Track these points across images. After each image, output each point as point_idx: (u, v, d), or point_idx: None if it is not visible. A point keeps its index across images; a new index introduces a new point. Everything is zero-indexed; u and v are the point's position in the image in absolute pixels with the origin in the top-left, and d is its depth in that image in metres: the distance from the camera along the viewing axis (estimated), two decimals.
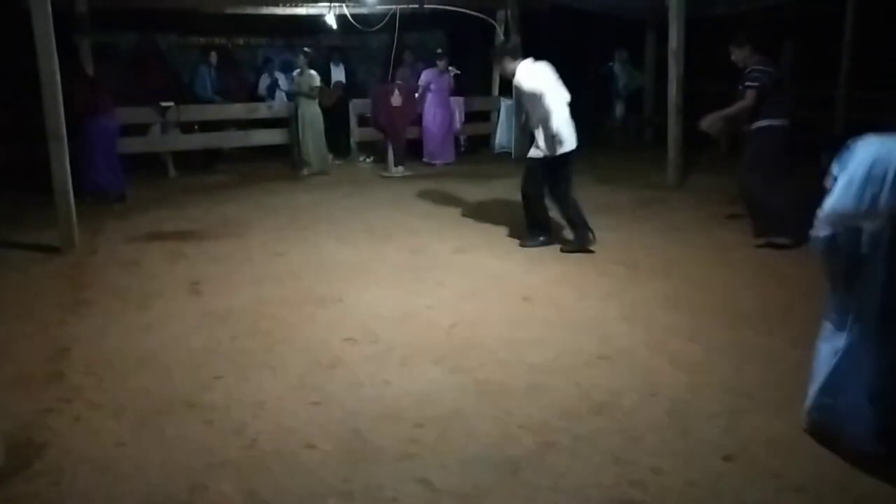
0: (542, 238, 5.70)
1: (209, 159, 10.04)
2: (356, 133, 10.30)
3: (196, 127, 9.83)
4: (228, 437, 2.91)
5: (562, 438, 2.85)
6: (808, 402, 2.77)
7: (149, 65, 9.57)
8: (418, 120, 9.91)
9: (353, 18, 8.88)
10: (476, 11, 9.14)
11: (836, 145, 2.78)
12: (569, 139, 5.46)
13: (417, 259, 5.44)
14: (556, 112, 5.34)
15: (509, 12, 10.00)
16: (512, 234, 6.01)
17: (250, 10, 10.05)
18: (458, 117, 10.37)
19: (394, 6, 8.95)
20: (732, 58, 5.62)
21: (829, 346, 2.69)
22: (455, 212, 6.99)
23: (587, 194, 7.67)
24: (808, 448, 2.74)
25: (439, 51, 10.23)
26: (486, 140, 11.07)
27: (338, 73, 11.35)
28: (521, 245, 5.70)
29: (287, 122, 9.64)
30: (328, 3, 9.36)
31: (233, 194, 8.04)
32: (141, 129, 9.02)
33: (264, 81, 10.60)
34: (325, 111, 10.98)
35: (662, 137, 8.18)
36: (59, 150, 5.53)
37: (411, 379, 3.41)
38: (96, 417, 3.09)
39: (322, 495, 2.52)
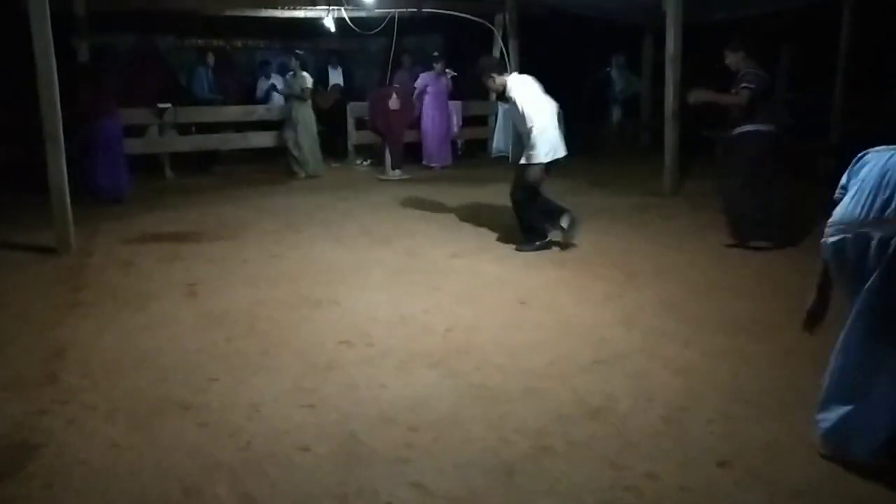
0: (537, 242, 5.71)
1: (206, 161, 10.03)
2: (353, 136, 10.31)
3: (193, 129, 9.83)
4: (223, 440, 2.90)
5: (557, 443, 2.84)
6: (819, 413, 2.73)
7: (146, 66, 9.56)
8: (416, 123, 9.93)
9: (351, 22, 8.89)
10: (474, 16, 9.16)
11: (832, 152, 2.80)
12: (558, 147, 5.63)
13: (414, 262, 5.44)
14: (543, 122, 5.53)
15: (507, 17, 10.02)
16: (508, 239, 6.01)
17: (249, 13, 10.06)
18: (456, 121, 10.39)
19: (392, 10, 8.97)
20: (726, 62, 5.72)
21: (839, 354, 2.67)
22: (452, 216, 6.99)
23: (583, 199, 7.70)
24: (803, 454, 2.74)
25: (435, 53, 10.26)
26: (483, 144, 11.09)
27: (336, 77, 11.38)
28: (517, 249, 5.71)
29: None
30: (326, 7, 9.38)
31: (229, 196, 8.03)
32: (138, 131, 9.01)
33: (263, 84, 10.62)
34: (323, 114, 11.02)
35: (659, 143, 8.19)
36: (56, 151, 5.52)
37: (407, 382, 3.41)
38: (91, 419, 3.08)
39: (316, 498, 2.51)
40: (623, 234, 6.20)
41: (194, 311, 4.41)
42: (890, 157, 2.54)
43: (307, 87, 9.25)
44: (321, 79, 11.37)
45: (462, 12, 8.97)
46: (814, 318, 2.82)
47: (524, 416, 3.06)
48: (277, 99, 9.96)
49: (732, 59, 5.67)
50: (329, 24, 9.43)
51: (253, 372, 3.53)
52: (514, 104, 5.60)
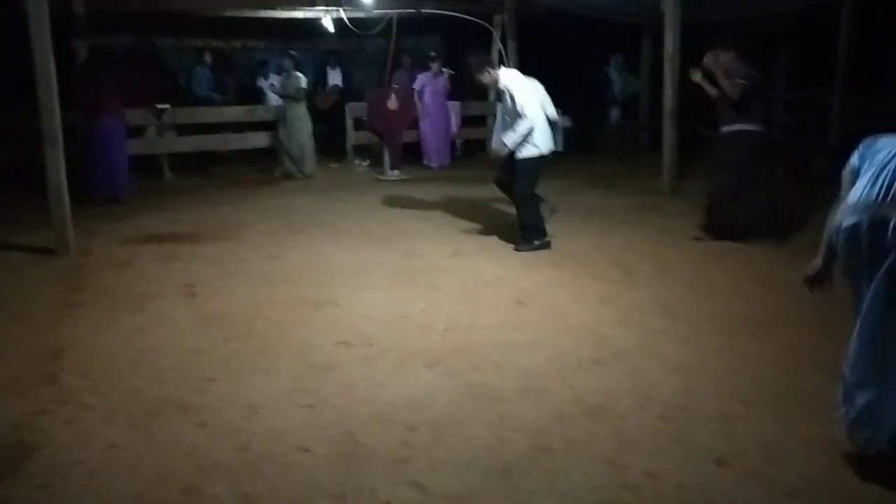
0: (536, 242, 5.71)
1: (205, 162, 10.03)
2: (352, 136, 10.31)
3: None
4: (221, 440, 2.90)
5: (555, 442, 2.85)
6: (842, 405, 2.69)
7: (145, 67, 9.56)
8: (414, 124, 9.93)
9: (350, 23, 8.88)
10: (473, 16, 9.16)
11: (831, 153, 2.81)
12: (551, 140, 5.78)
13: (412, 262, 5.44)
14: (536, 113, 5.59)
15: (506, 18, 10.03)
16: (507, 239, 6.02)
17: (248, 13, 10.06)
18: (455, 121, 10.40)
19: (391, 11, 8.97)
20: (717, 62, 5.79)
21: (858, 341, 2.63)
22: (450, 216, 7.00)
23: (582, 199, 7.72)
24: (801, 452, 2.74)
25: (432, 53, 10.26)
26: (482, 144, 11.08)
27: (334, 77, 11.37)
28: (517, 249, 5.71)
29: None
30: (325, 8, 9.38)
31: (228, 197, 8.03)
32: (137, 131, 9.00)
33: (262, 84, 10.61)
34: (322, 114, 11.02)
35: (658, 143, 8.20)
36: (55, 151, 5.52)
37: (405, 382, 3.41)
38: (89, 419, 3.08)
39: (315, 498, 2.51)
40: (622, 234, 6.20)
41: (193, 311, 4.41)
42: None
43: (302, 88, 9.26)
44: (320, 79, 11.37)
45: (461, 13, 8.96)
46: (819, 277, 2.79)
47: (523, 416, 3.06)
48: (274, 100, 9.96)
49: (724, 58, 5.74)
50: (328, 24, 9.42)
51: (251, 372, 3.53)
52: (509, 95, 5.58)
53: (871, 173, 2.58)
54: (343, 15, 9.04)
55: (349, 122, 10.22)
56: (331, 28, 9.41)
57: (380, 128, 9.45)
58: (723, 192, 5.75)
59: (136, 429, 3.00)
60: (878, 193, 2.50)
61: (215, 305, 4.49)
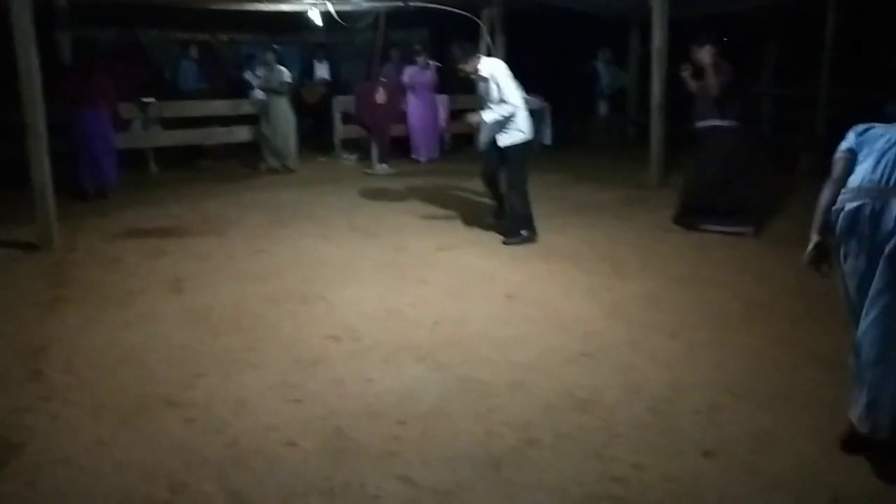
0: (524, 233, 5.74)
1: (191, 156, 9.96)
2: (340, 130, 10.27)
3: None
4: (209, 436, 2.89)
5: (544, 435, 2.85)
6: (854, 391, 2.73)
7: (130, 60, 9.46)
8: (403, 117, 9.90)
9: (337, 16, 8.83)
10: (461, 10, 9.13)
11: (817, 146, 2.86)
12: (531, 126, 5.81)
13: (401, 257, 5.43)
14: (519, 100, 5.62)
15: (494, 11, 10.00)
16: (496, 232, 6.02)
17: (234, 6, 9.96)
18: (443, 114, 10.37)
19: (378, 4, 8.92)
20: (696, 56, 5.87)
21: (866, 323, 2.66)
22: (439, 209, 6.98)
23: (570, 192, 7.73)
24: (787, 444, 2.77)
25: (417, 47, 10.22)
26: (470, 138, 11.06)
27: (322, 70, 11.31)
28: (505, 243, 5.71)
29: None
30: (312, 0, 9.31)
31: (215, 191, 7.98)
32: (122, 125, 8.91)
33: (251, 77, 10.52)
34: (309, 108, 10.95)
35: (645, 137, 8.22)
36: (38, 146, 5.45)
37: (394, 376, 3.41)
38: (75, 416, 3.06)
39: (303, 493, 2.51)
40: (610, 227, 6.22)
41: (180, 306, 4.38)
42: None
43: (285, 81, 9.22)
44: (307, 72, 11.30)
45: (449, 6, 8.93)
46: (821, 254, 2.80)
47: (511, 409, 3.06)
48: (260, 94, 9.89)
49: (700, 53, 5.81)
50: (315, 17, 9.35)
51: (239, 367, 3.51)
52: (495, 83, 5.58)
53: (871, 159, 2.66)
54: (330, 8, 8.98)
55: (337, 116, 10.16)
56: (318, 21, 9.34)
57: (368, 121, 9.41)
58: (697, 186, 5.84)
59: (123, 425, 2.98)
60: (881, 179, 2.58)
61: (202, 300, 4.47)
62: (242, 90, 10.49)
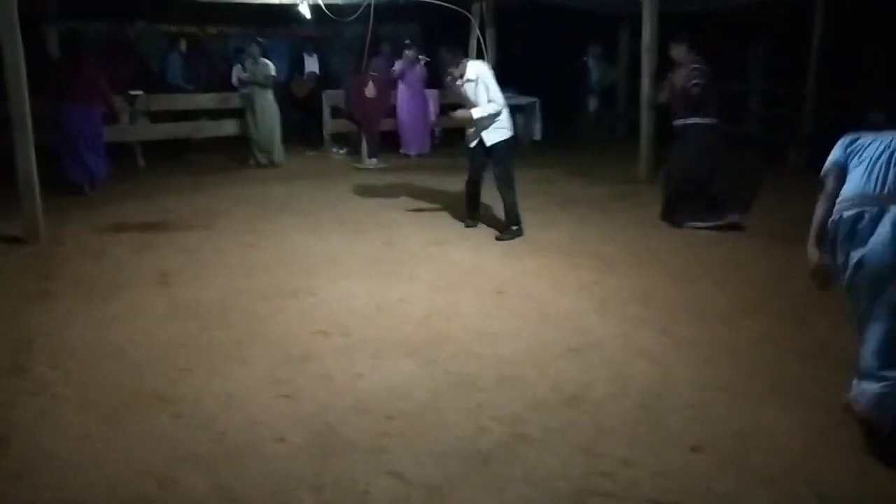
0: (514, 227, 5.79)
1: (179, 149, 9.89)
2: (329, 124, 10.22)
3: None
4: (197, 431, 2.87)
5: (533, 430, 2.86)
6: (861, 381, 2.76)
7: (117, 53, 9.37)
8: (393, 111, 9.87)
9: (327, 9, 8.77)
10: (451, 4, 9.10)
11: (805, 144, 2.92)
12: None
13: (391, 252, 5.42)
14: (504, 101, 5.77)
15: (484, 5, 9.98)
16: (485, 228, 6.02)
17: None
18: (433, 109, 10.35)
19: None
20: (670, 53, 6.01)
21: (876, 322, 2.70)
22: (429, 204, 6.97)
23: (560, 188, 7.74)
24: (775, 440, 2.79)
25: (407, 41, 10.19)
26: (460, 132, 11.03)
27: (311, 64, 11.23)
28: (499, 238, 5.73)
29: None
30: None
31: (203, 185, 7.93)
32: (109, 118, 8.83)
33: (238, 71, 10.45)
34: (299, 102, 10.89)
35: (635, 132, 8.23)
36: (24, 138, 5.40)
37: (383, 372, 3.40)
38: (61, 411, 3.03)
39: (292, 489, 2.50)
40: (599, 223, 6.23)
41: (167, 301, 4.36)
42: (893, 139, 2.73)
43: (270, 75, 9.18)
44: (296, 66, 11.23)
45: (439, 0, 8.90)
46: (826, 273, 2.84)
47: (501, 404, 3.07)
48: (249, 89, 9.82)
49: (676, 51, 5.92)
50: (304, 10, 9.29)
51: (227, 363, 3.49)
52: (483, 85, 5.66)
53: (863, 167, 2.71)
54: (320, 1, 8.93)
55: (326, 110, 10.12)
56: (307, 14, 9.28)
57: (357, 115, 9.37)
58: (679, 183, 5.89)
59: (110, 420, 2.95)
60: (876, 186, 2.63)
61: (190, 295, 4.44)
62: (230, 84, 10.42)
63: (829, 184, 2.80)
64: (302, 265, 5.07)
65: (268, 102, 9.23)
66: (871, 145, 2.76)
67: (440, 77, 6.22)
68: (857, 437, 2.73)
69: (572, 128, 11.36)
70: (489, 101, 5.65)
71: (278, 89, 9.86)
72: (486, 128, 5.73)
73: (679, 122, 5.89)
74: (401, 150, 9.99)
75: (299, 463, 2.65)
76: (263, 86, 9.17)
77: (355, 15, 8.86)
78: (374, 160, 9.30)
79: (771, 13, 9.33)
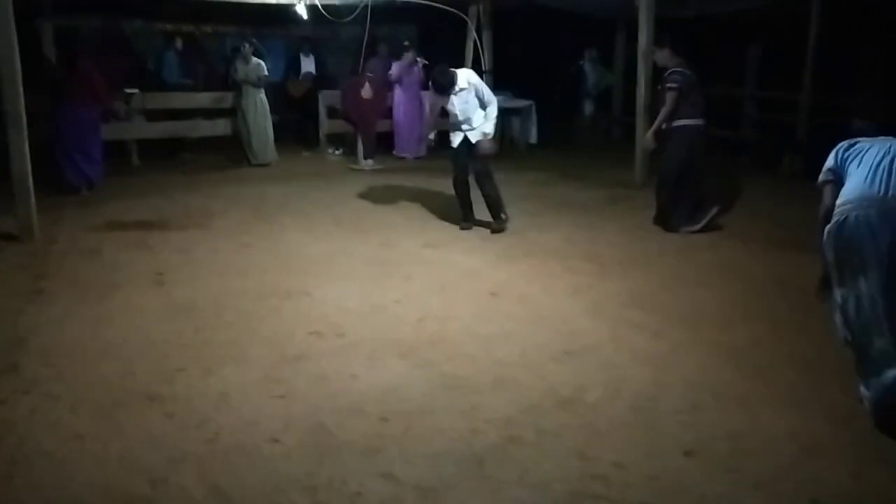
0: (503, 217, 5.96)
1: (174, 148, 9.87)
2: (325, 125, 10.22)
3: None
4: (190, 431, 2.86)
5: (526, 433, 2.86)
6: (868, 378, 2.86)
7: (113, 50, 9.34)
8: (389, 113, 9.87)
9: (324, 9, 8.78)
10: (449, 6, 9.11)
11: (799, 149, 3.02)
12: None
13: (386, 253, 5.42)
14: None
15: (481, 8, 9.99)
16: (480, 230, 6.03)
17: None
18: (429, 111, 10.34)
19: None
20: (654, 58, 6.12)
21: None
22: (424, 206, 6.97)
23: (555, 191, 7.75)
24: (767, 444, 2.79)
25: (406, 43, 10.18)
26: None
27: (308, 64, 11.23)
28: (494, 231, 5.86)
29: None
30: None
31: (198, 184, 7.91)
32: (104, 117, 8.79)
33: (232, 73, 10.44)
34: (295, 102, 10.88)
35: (630, 136, 8.26)
36: (19, 135, 5.38)
37: (377, 373, 3.40)
38: (53, 409, 3.02)
39: (285, 490, 2.50)
40: (594, 226, 6.24)
41: (161, 300, 4.34)
42: (892, 144, 2.84)
43: (264, 75, 9.18)
44: (293, 66, 11.23)
45: (437, 2, 8.91)
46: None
47: (495, 407, 3.07)
48: (242, 88, 9.81)
49: (658, 56, 6.00)
50: (301, 11, 9.29)
51: (221, 362, 3.48)
52: (475, 91, 5.80)
53: (864, 170, 2.78)
54: (317, 1, 8.93)
55: (322, 111, 10.12)
56: (304, 14, 9.29)
57: (353, 116, 9.37)
58: (669, 187, 5.92)
59: (103, 419, 2.94)
60: (880, 189, 2.70)
61: (185, 294, 4.43)
62: (227, 83, 10.41)
63: (827, 195, 2.91)
64: (297, 265, 5.06)
65: (259, 102, 9.23)
66: (870, 150, 2.83)
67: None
68: (851, 441, 2.75)
69: (568, 131, 11.39)
70: (485, 103, 5.76)
71: (273, 89, 9.86)
72: (473, 129, 5.83)
73: (668, 125, 5.91)
74: (394, 153, 9.97)
75: (293, 464, 2.65)
76: (256, 85, 9.17)
77: (352, 16, 8.87)
78: (369, 161, 9.30)
79: (768, 17, 9.36)
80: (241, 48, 9.43)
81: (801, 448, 2.75)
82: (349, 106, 9.34)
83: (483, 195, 5.99)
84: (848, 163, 2.88)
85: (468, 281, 4.78)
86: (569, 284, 4.70)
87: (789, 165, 8.34)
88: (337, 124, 9.96)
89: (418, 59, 9.84)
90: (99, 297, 4.37)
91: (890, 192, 2.69)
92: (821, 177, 3.03)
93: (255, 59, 9.22)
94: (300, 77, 10.98)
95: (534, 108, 10.73)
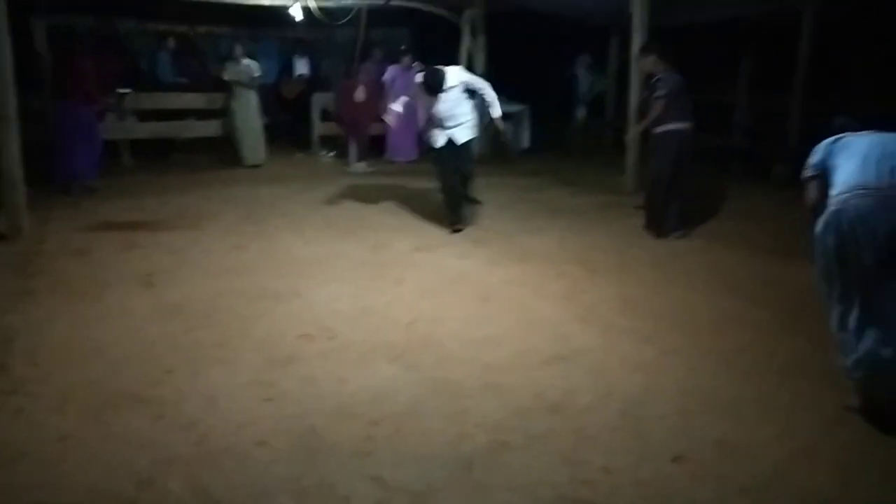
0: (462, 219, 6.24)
1: (166, 149, 9.83)
2: (318, 127, 10.20)
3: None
4: (178, 433, 2.85)
5: (515, 437, 2.86)
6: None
7: (106, 49, 9.30)
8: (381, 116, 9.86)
9: (318, 12, 8.78)
10: (443, 10, 9.13)
11: (790, 157, 3.09)
12: None
13: (377, 256, 5.41)
14: None
15: (475, 13, 10.02)
16: (472, 234, 6.03)
17: None
18: (423, 115, 10.33)
19: (360, 1, 8.89)
20: (639, 66, 6.21)
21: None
22: (416, 210, 6.97)
23: (547, 196, 7.77)
24: (754, 450, 2.80)
25: (403, 47, 10.19)
26: None
27: (301, 66, 11.23)
28: (457, 230, 6.02)
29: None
30: None
31: (189, 185, 7.89)
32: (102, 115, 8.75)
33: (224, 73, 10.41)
34: (288, 104, 10.86)
35: (622, 142, 8.28)
36: (7, 133, 5.35)
37: (367, 376, 3.39)
38: (39, 410, 3.00)
39: (273, 493, 2.49)
40: (585, 231, 6.25)
41: (151, 301, 4.32)
42: (880, 136, 2.92)
43: (257, 76, 9.18)
44: (286, 68, 11.22)
45: (431, 6, 8.93)
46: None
47: (484, 411, 3.07)
48: (234, 89, 9.79)
49: (645, 63, 6.07)
50: (296, 12, 9.29)
51: (210, 364, 3.47)
52: (464, 86, 5.94)
53: (857, 161, 2.85)
54: (311, 3, 8.93)
55: (315, 113, 10.10)
56: (299, 16, 9.29)
57: (346, 119, 9.36)
58: (661, 191, 5.95)
59: (89, 420, 2.93)
60: (876, 177, 2.77)
61: (174, 295, 4.41)
62: (223, 82, 10.38)
63: (813, 191, 2.97)
64: (288, 267, 5.05)
65: (250, 103, 9.21)
66: (856, 142, 2.91)
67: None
68: (838, 447, 2.77)
69: (561, 136, 11.41)
70: (480, 91, 5.98)
71: (266, 91, 9.84)
72: (457, 126, 5.93)
73: (657, 129, 5.95)
74: (385, 156, 9.96)
75: (281, 467, 2.64)
76: (248, 87, 9.16)
77: (347, 18, 8.88)
78: (362, 164, 9.30)
79: (758, 27, 9.42)
80: (233, 49, 9.42)
81: (788, 453, 2.77)
82: (342, 108, 9.34)
83: (460, 196, 6.14)
84: (835, 156, 2.94)
85: (459, 284, 4.78)
86: (560, 289, 4.71)
87: (780, 172, 8.39)
88: (330, 126, 9.95)
89: (414, 64, 9.84)
90: (88, 297, 4.34)
91: (885, 180, 2.74)
92: (806, 172, 3.07)
93: (246, 60, 9.21)
94: (294, 79, 10.97)
95: (527, 113, 10.76)
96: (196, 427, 2.89)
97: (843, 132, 3.06)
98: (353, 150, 9.35)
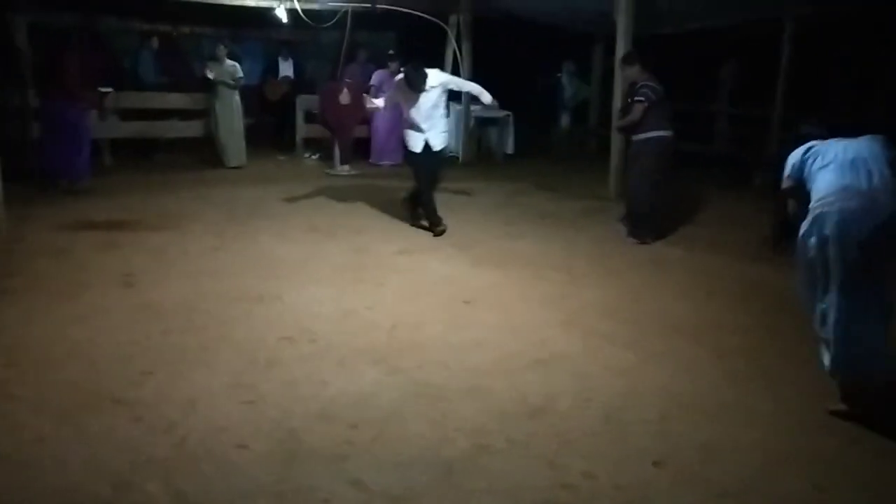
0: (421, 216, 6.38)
1: (147, 148, 9.75)
2: (302, 129, 10.17)
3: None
4: (157, 435, 2.82)
5: (497, 441, 2.86)
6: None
7: (88, 48, 9.21)
8: (366, 119, 9.85)
9: (303, 13, 8.75)
10: (429, 14, 9.13)
11: (769, 165, 3.17)
12: None
13: (360, 259, 5.40)
14: None
15: (461, 18, 10.05)
16: (455, 237, 6.04)
17: None
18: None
19: (346, 4, 8.87)
20: (623, 74, 6.30)
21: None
22: (399, 213, 6.95)
23: (530, 202, 7.80)
24: (735, 454, 2.83)
25: (391, 52, 10.18)
26: None
27: (286, 68, 11.19)
28: (438, 234, 6.07)
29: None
30: None
31: (171, 185, 7.82)
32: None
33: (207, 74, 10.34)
34: (271, 105, 10.82)
35: (606, 148, 8.34)
36: None
37: (349, 379, 3.38)
38: (15, 411, 2.95)
39: (253, 496, 2.46)
40: (568, 237, 6.28)
41: (130, 302, 4.28)
42: (849, 142, 3.01)
43: (239, 76, 9.14)
44: (271, 69, 11.17)
45: (417, 10, 8.93)
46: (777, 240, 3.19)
47: (466, 415, 3.07)
48: (216, 90, 9.74)
49: (628, 72, 6.17)
50: (281, 14, 9.26)
51: (190, 366, 3.44)
52: (445, 84, 6.10)
53: (836, 167, 2.93)
54: (297, 5, 8.91)
55: (299, 115, 10.07)
56: (284, 18, 9.25)
57: (331, 122, 9.34)
58: (642, 197, 6.01)
59: (67, 422, 2.88)
60: (857, 182, 2.85)
61: (154, 297, 4.36)
62: (205, 85, 10.32)
63: (791, 203, 3.08)
64: (269, 269, 5.02)
65: (233, 104, 9.17)
66: (829, 150, 3.00)
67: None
68: (817, 452, 2.80)
69: (545, 142, 11.47)
70: (463, 88, 6.42)
71: (250, 92, 9.80)
72: (433, 131, 6.05)
73: (635, 137, 6.02)
74: (370, 160, 9.94)
75: (260, 470, 2.62)
76: (231, 87, 9.11)
77: (332, 21, 8.86)
78: (346, 167, 9.28)
79: (740, 37, 9.54)
80: (216, 49, 9.36)
81: (768, 459, 2.79)
82: (327, 111, 9.32)
83: (426, 199, 6.23)
84: (808, 166, 3.03)
85: (442, 288, 4.78)
86: (542, 294, 4.72)
87: (760, 179, 8.49)
88: (314, 129, 9.92)
89: (402, 69, 9.82)
90: (65, 297, 4.29)
91: (864, 184, 2.83)
92: (784, 184, 3.15)
93: (229, 61, 9.17)
94: (278, 80, 10.92)
95: (511, 118, 10.80)
96: (175, 429, 2.86)
97: (808, 140, 3.15)
98: (337, 152, 9.32)
